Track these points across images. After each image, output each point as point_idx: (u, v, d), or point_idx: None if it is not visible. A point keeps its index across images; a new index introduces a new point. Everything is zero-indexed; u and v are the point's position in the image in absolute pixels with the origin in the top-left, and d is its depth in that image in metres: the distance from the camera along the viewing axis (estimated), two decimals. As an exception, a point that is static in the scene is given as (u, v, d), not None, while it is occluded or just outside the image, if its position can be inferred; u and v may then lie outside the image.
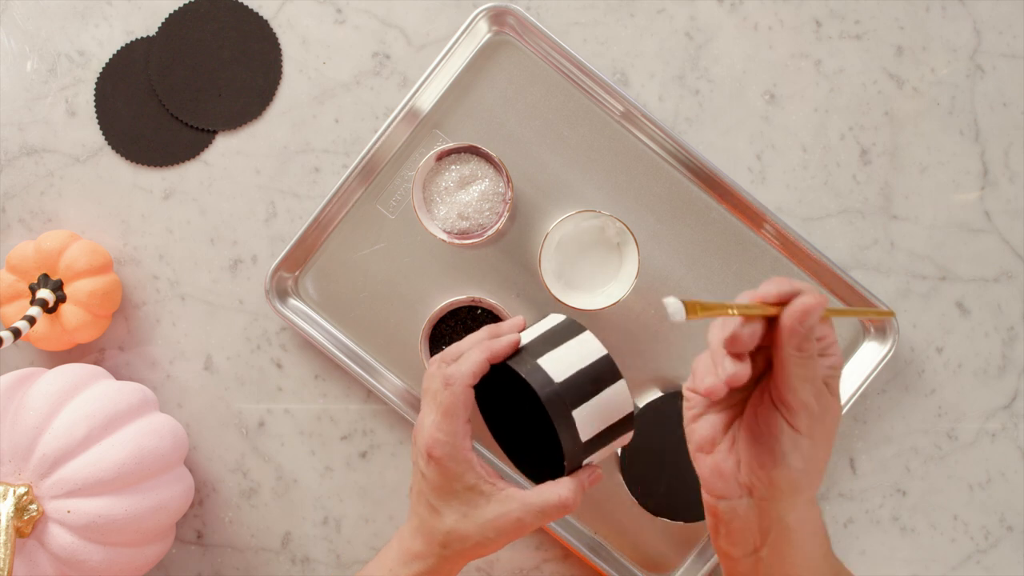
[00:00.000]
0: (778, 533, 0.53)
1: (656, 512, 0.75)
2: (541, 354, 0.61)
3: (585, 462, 0.63)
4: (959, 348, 0.78)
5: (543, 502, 0.60)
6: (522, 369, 0.60)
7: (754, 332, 0.49)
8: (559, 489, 0.61)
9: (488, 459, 0.77)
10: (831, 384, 0.52)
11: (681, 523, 0.75)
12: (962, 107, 0.78)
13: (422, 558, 0.62)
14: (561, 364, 0.61)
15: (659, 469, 0.74)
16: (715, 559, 0.76)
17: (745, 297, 0.50)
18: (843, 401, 0.75)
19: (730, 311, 0.48)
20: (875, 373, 0.76)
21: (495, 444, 0.72)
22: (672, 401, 0.74)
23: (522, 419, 0.67)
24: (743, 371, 0.49)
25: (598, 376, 0.61)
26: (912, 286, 0.78)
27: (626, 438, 0.64)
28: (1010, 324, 0.78)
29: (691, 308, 0.47)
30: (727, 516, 0.53)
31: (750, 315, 0.49)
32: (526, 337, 0.64)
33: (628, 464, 0.75)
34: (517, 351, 0.62)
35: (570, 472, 0.62)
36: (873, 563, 0.78)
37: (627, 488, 0.75)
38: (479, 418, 0.68)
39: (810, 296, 0.49)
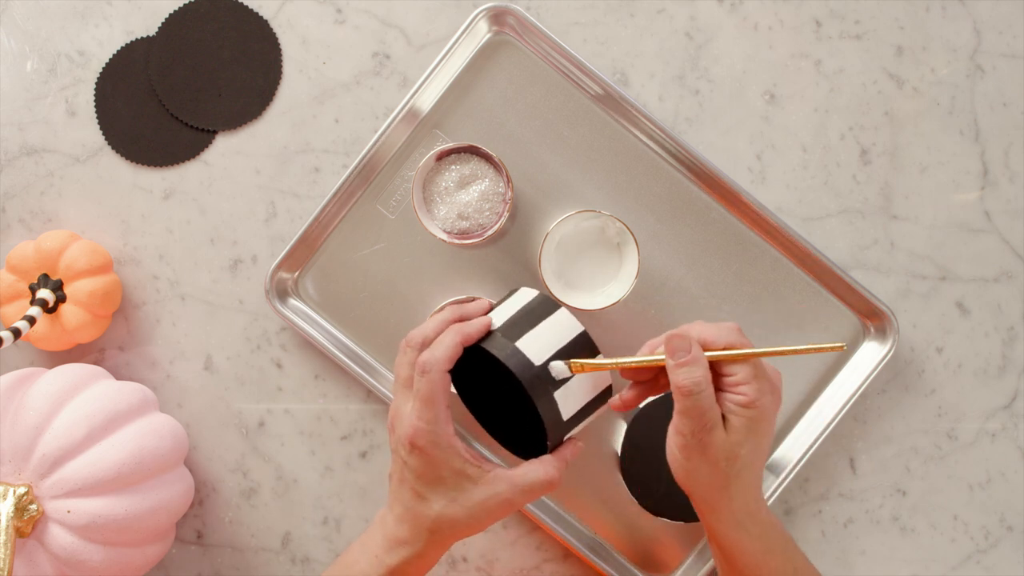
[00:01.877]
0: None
1: (656, 512, 0.75)
2: (518, 336, 0.61)
3: (566, 437, 0.63)
4: (959, 348, 0.78)
5: (530, 482, 0.61)
6: (501, 353, 0.60)
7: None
8: (545, 467, 0.61)
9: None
10: (730, 419, 0.58)
11: (681, 523, 0.75)
12: (962, 107, 0.78)
13: (409, 544, 0.62)
14: (539, 345, 0.61)
15: (659, 469, 0.74)
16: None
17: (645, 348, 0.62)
18: (844, 401, 0.76)
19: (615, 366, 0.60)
20: (875, 373, 0.76)
21: (471, 421, 0.72)
22: (672, 401, 0.74)
23: (500, 398, 0.68)
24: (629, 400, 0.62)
25: (577, 355, 0.62)
26: (912, 286, 0.78)
27: (604, 409, 0.64)
28: (1010, 324, 0.78)
29: (576, 366, 0.60)
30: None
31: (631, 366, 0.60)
32: (500, 314, 0.64)
33: (628, 464, 0.75)
34: (494, 333, 0.62)
35: (552, 449, 0.62)
36: (873, 563, 0.78)
37: (627, 488, 0.75)
38: (454, 397, 0.68)
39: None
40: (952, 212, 0.78)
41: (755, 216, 0.76)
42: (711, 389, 0.57)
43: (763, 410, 0.58)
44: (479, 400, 0.68)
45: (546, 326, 0.62)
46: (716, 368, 0.58)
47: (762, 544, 0.60)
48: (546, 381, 0.60)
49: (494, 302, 0.66)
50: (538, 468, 0.61)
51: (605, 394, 0.63)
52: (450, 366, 0.60)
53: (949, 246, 0.78)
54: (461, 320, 0.64)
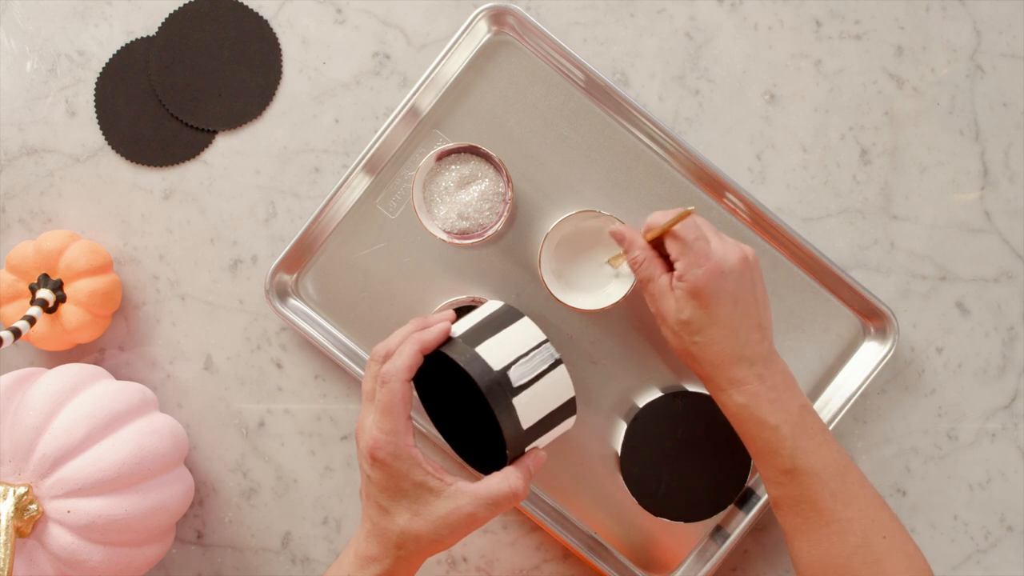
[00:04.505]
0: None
1: (656, 512, 0.75)
2: (479, 342, 0.61)
3: (528, 448, 0.63)
4: (959, 348, 0.78)
5: (493, 495, 0.60)
6: (460, 359, 0.60)
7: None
8: (508, 480, 0.60)
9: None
10: (675, 290, 0.65)
11: (681, 523, 0.75)
12: (962, 107, 0.78)
13: (378, 560, 0.61)
14: (500, 352, 0.61)
15: (659, 469, 0.74)
16: (715, 559, 0.76)
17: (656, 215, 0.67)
18: (844, 401, 0.76)
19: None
20: (875, 373, 0.76)
21: (437, 435, 0.72)
22: (672, 401, 0.74)
23: (464, 408, 0.67)
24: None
25: (537, 366, 0.61)
26: (912, 286, 0.78)
27: (568, 423, 0.64)
28: (1010, 324, 0.78)
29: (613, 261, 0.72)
30: None
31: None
32: (464, 324, 0.64)
33: (628, 464, 0.75)
34: (455, 340, 0.62)
35: (513, 460, 0.62)
36: (873, 563, 0.78)
37: (627, 488, 0.75)
38: (421, 410, 0.67)
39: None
40: (952, 212, 0.78)
41: (755, 216, 0.76)
42: (654, 264, 0.66)
43: (693, 282, 0.63)
44: (444, 413, 0.68)
45: (508, 333, 0.62)
46: (660, 251, 0.67)
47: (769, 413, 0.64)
48: (505, 387, 0.60)
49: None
50: (501, 480, 0.60)
51: (567, 407, 0.63)
52: (410, 375, 0.60)
53: (949, 246, 0.78)
54: (422, 330, 0.64)
